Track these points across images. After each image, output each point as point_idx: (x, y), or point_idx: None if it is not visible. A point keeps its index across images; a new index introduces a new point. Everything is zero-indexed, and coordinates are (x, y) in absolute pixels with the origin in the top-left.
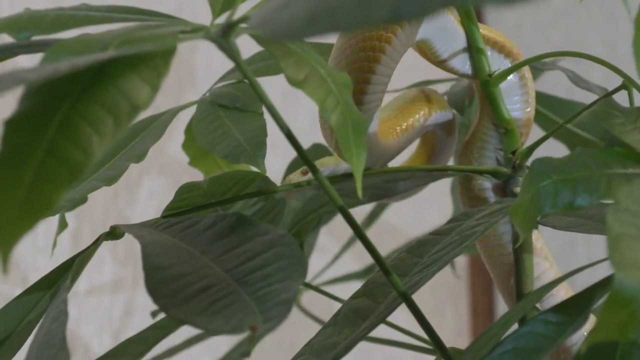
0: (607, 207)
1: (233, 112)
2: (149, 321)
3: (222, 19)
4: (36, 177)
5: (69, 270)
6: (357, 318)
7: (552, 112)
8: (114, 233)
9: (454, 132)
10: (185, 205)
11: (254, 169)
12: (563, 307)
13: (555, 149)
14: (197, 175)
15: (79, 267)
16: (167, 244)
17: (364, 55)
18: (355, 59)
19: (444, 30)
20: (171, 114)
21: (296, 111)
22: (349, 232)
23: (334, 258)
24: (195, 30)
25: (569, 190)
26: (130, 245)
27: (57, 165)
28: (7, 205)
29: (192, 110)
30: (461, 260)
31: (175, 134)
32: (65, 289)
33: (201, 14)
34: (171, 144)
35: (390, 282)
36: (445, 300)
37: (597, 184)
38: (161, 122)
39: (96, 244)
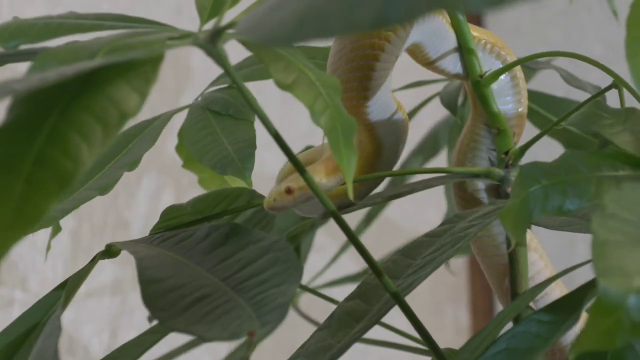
0: (594, 211)
1: (225, 119)
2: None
3: (210, 25)
4: (26, 186)
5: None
6: (351, 320)
7: (546, 111)
8: (109, 251)
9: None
10: (172, 225)
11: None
12: (555, 307)
13: (550, 147)
14: (196, 177)
15: (74, 286)
16: (162, 257)
17: (362, 53)
18: (354, 57)
19: (435, 32)
20: (164, 119)
21: (295, 113)
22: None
23: (331, 260)
24: (183, 37)
25: (559, 194)
26: None
27: (47, 175)
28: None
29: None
30: (460, 260)
31: (175, 133)
32: (60, 306)
33: None
34: (171, 144)
35: (382, 283)
36: (444, 300)
37: (587, 187)
38: (154, 128)
39: (92, 263)
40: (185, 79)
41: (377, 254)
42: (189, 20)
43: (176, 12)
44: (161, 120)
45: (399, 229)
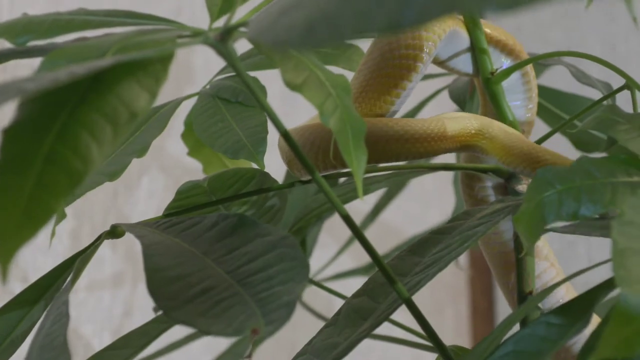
0: (611, 216)
1: (234, 106)
2: (149, 319)
3: (220, 23)
4: (36, 185)
5: (68, 270)
6: (358, 318)
7: (555, 107)
8: (114, 232)
9: None
10: (186, 204)
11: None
12: (565, 309)
13: (557, 143)
14: (196, 176)
15: (80, 267)
16: (169, 244)
17: (405, 62)
18: (393, 65)
19: (452, 36)
20: (172, 106)
21: (296, 110)
22: (348, 232)
23: (337, 253)
24: (194, 35)
25: (573, 199)
26: (130, 244)
27: (57, 174)
28: (8, 214)
29: (190, 104)
30: (461, 260)
31: (175, 133)
32: (67, 290)
33: (200, 15)
34: (171, 144)
35: (395, 290)
36: (445, 300)
37: (602, 193)
38: (162, 115)
39: (97, 242)
40: (185, 74)
41: None
42: (188, 20)
43: (176, 12)
44: (169, 107)
45: (401, 231)
